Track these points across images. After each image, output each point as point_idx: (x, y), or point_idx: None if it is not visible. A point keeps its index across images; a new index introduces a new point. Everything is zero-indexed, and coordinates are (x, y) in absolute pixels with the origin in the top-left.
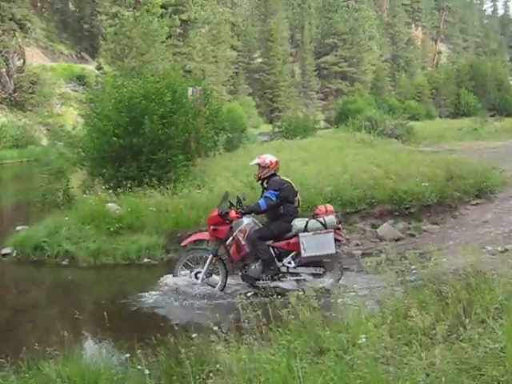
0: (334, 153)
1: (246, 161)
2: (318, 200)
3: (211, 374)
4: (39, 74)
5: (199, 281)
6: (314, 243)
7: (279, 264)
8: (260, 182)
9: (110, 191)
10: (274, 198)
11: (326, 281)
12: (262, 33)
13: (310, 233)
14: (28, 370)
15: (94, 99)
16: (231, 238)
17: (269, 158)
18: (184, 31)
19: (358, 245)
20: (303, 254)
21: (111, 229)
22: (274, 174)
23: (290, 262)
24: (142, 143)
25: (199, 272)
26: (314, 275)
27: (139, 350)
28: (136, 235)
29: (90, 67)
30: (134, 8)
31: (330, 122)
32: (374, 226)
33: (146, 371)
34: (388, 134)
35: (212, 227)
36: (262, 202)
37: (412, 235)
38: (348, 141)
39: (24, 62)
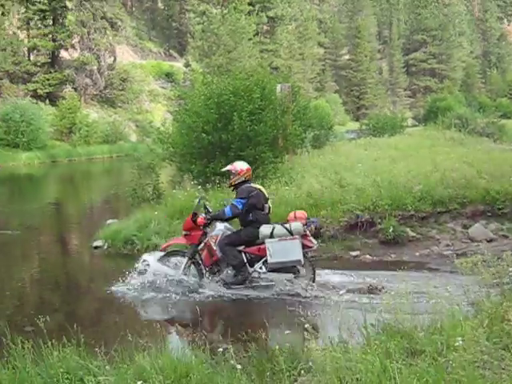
0: (423, 151)
1: (334, 158)
2: (408, 199)
3: (302, 372)
4: (129, 72)
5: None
6: (280, 249)
7: (251, 269)
8: (232, 188)
9: (199, 187)
10: (239, 206)
11: (299, 285)
12: (350, 29)
13: (276, 239)
14: (122, 361)
15: (183, 96)
16: (203, 244)
17: (240, 166)
18: (271, 28)
19: (448, 245)
20: (269, 259)
21: None
22: (245, 181)
23: (261, 268)
24: (230, 139)
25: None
26: (287, 280)
27: (231, 345)
28: None
29: (178, 64)
30: (221, 5)
31: (418, 119)
32: (465, 227)
33: (238, 366)
34: (479, 132)
35: (184, 232)
36: (227, 209)
37: (505, 236)
38: (438, 139)
39: (115, 60)
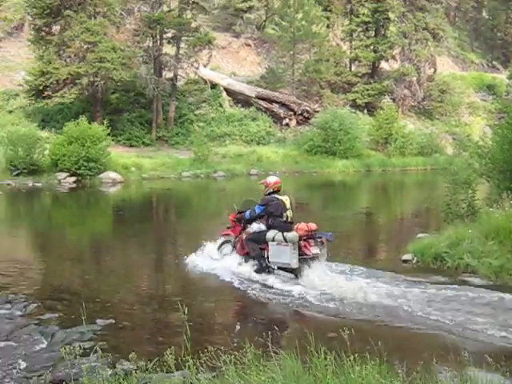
0: None
1: None
2: None
3: None
4: (449, 83)
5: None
6: (276, 252)
7: (268, 263)
8: None
9: None
10: (257, 211)
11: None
12: None
13: (275, 243)
14: None
15: (505, 109)
16: (238, 238)
17: (269, 179)
18: None
19: None
20: (270, 258)
21: None
22: (273, 192)
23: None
24: None
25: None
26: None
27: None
28: None
29: (501, 76)
30: None
31: None
32: None
33: None
34: None
35: (227, 225)
36: (247, 212)
37: None
38: None
39: (435, 71)
